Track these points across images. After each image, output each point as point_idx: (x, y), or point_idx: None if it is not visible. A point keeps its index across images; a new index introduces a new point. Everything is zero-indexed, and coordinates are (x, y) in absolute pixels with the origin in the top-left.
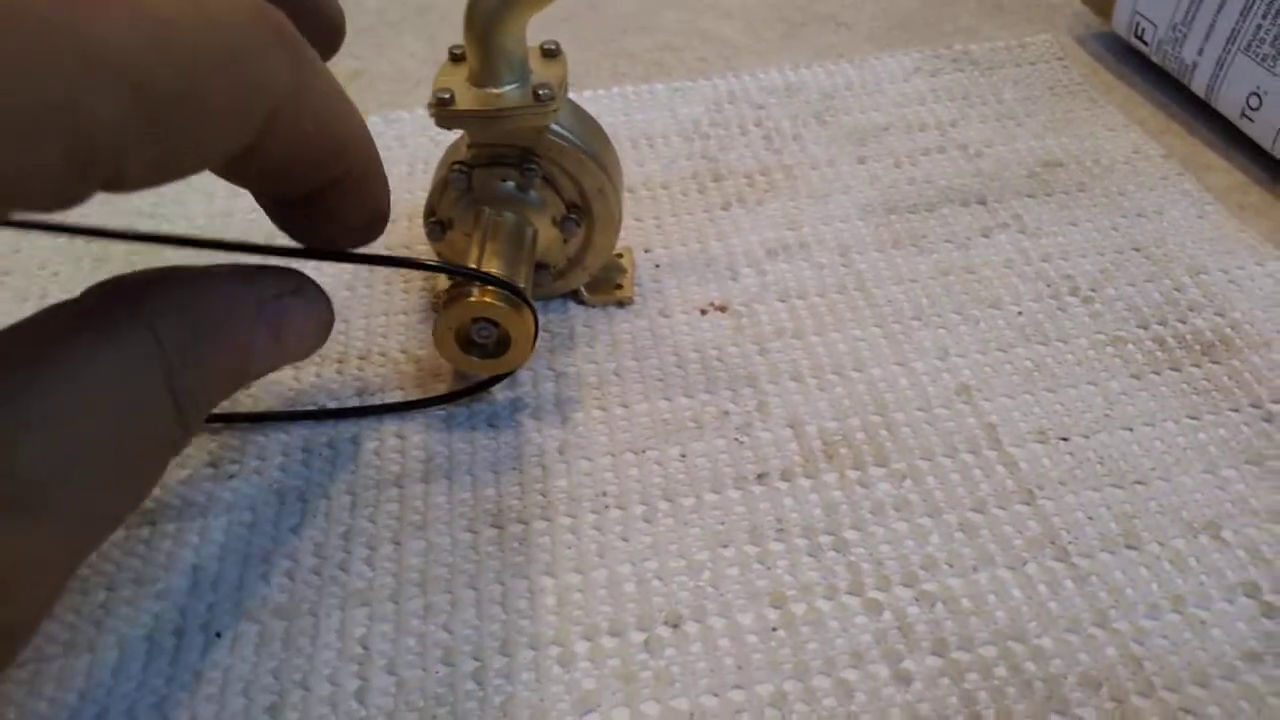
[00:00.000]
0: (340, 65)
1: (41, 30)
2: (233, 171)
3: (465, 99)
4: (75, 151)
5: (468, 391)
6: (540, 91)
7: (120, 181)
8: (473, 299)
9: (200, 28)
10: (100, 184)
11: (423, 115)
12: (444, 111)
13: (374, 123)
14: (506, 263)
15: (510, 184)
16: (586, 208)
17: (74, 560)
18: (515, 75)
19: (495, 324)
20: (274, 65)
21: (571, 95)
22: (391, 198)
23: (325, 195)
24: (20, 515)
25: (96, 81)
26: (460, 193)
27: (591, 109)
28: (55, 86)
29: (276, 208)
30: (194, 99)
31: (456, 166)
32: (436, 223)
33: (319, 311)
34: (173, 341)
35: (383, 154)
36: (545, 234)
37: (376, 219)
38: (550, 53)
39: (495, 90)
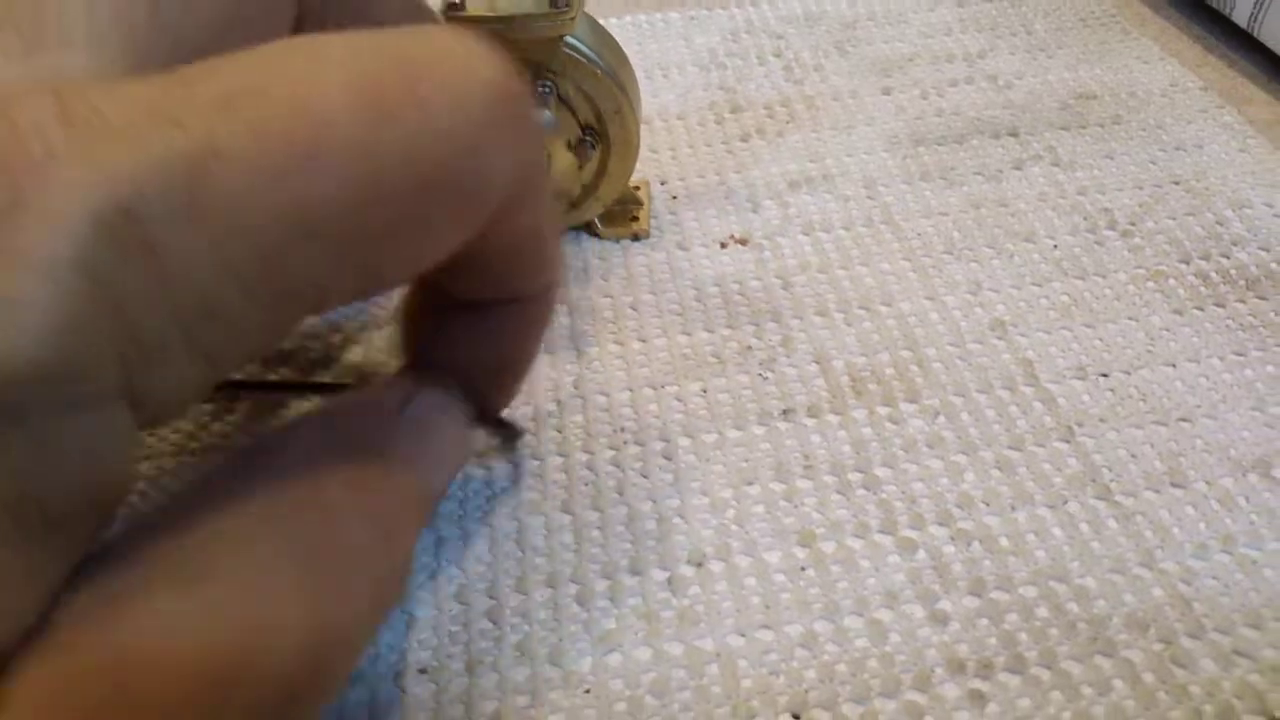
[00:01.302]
0: None
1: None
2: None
3: (476, 3)
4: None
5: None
6: None
7: (318, 311)
8: None
9: (417, 141)
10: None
11: None
12: (452, 17)
13: None
14: None
15: None
16: (603, 131)
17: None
18: None
19: None
20: (503, 161)
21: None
22: None
23: (496, 309)
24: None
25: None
26: None
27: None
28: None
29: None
30: (406, 227)
31: None
32: None
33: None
34: None
35: None
36: (558, 159)
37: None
38: None
39: None
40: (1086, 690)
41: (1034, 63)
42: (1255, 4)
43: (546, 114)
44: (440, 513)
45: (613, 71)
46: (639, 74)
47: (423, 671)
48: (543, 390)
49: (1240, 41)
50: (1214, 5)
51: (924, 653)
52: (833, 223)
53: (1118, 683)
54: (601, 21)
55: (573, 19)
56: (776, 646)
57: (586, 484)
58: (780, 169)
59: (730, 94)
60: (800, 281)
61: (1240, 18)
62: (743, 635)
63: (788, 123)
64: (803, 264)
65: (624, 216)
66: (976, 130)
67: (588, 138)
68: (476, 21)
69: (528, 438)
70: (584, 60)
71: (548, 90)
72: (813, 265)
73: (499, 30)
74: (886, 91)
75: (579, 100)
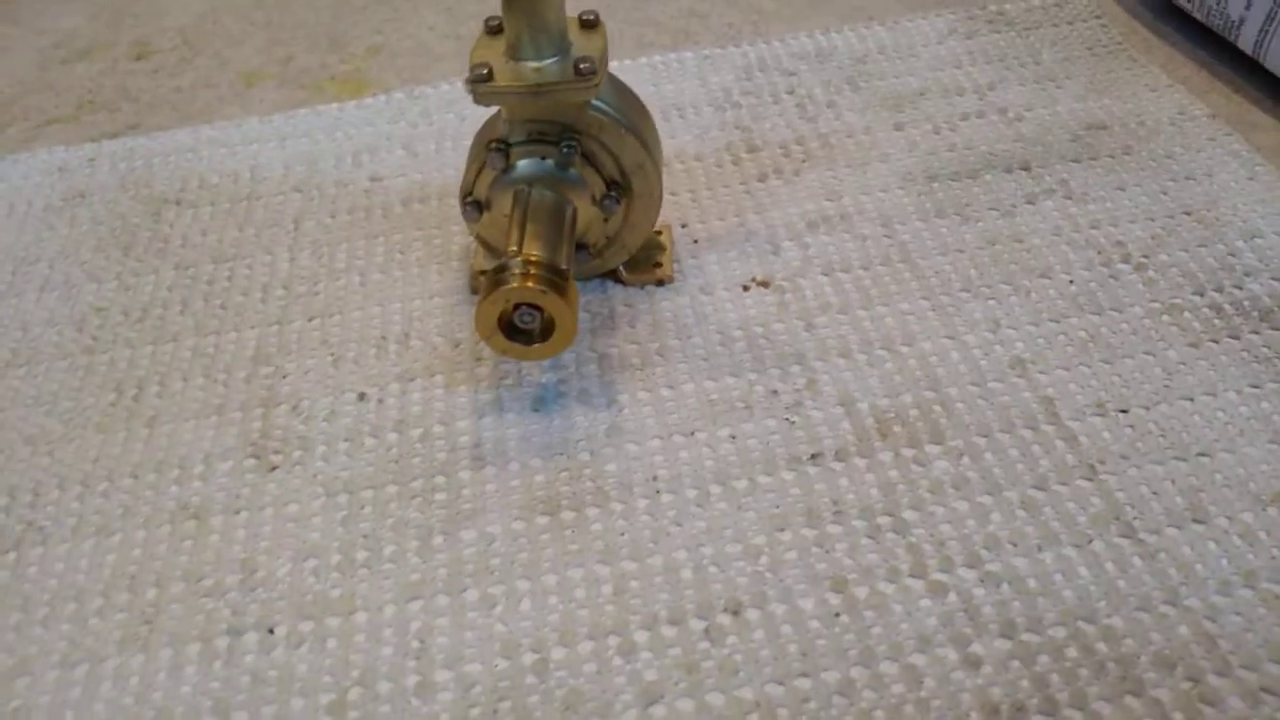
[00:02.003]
0: (359, 41)
1: None
2: None
3: (504, 74)
4: None
5: None
6: (582, 66)
7: None
8: (514, 284)
9: None
10: None
11: (448, 90)
12: (482, 88)
13: (398, 99)
14: (547, 244)
15: (550, 161)
16: (626, 185)
17: None
18: (555, 48)
19: (539, 309)
20: None
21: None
22: (419, 176)
23: None
24: None
25: None
26: (497, 172)
27: (625, 78)
28: None
29: None
30: None
31: (494, 145)
32: (474, 203)
33: None
34: None
35: (408, 131)
36: (584, 212)
37: None
38: (589, 23)
39: (535, 64)
40: None
41: (1043, 93)
42: (1261, 30)
43: (572, 172)
44: (483, 568)
45: (635, 128)
46: (655, 115)
47: None
48: (576, 439)
49: (1246, 66)
50: (1219, 31)
51: (959, 697)
52: (852, 263)
53: None
54: (615, 63)
55: (598, 85)
56: (815, 694)
57: (623, 534)
58: (798, 209)
59: (746, 133)
60: (822, 323)
61: (1245, 44)
62: (781, 684)
63: (804, 161)
64: (824, 305)
65: (648, 263)
66: (989, 165)
67: (612, 193)
68: (506, 91)
69: (560, 489)
70: (608, 120)
71: (572, 149)
72: (834, 306)
73: (527, 96)
74: (899, 127)
75: (604, 156)
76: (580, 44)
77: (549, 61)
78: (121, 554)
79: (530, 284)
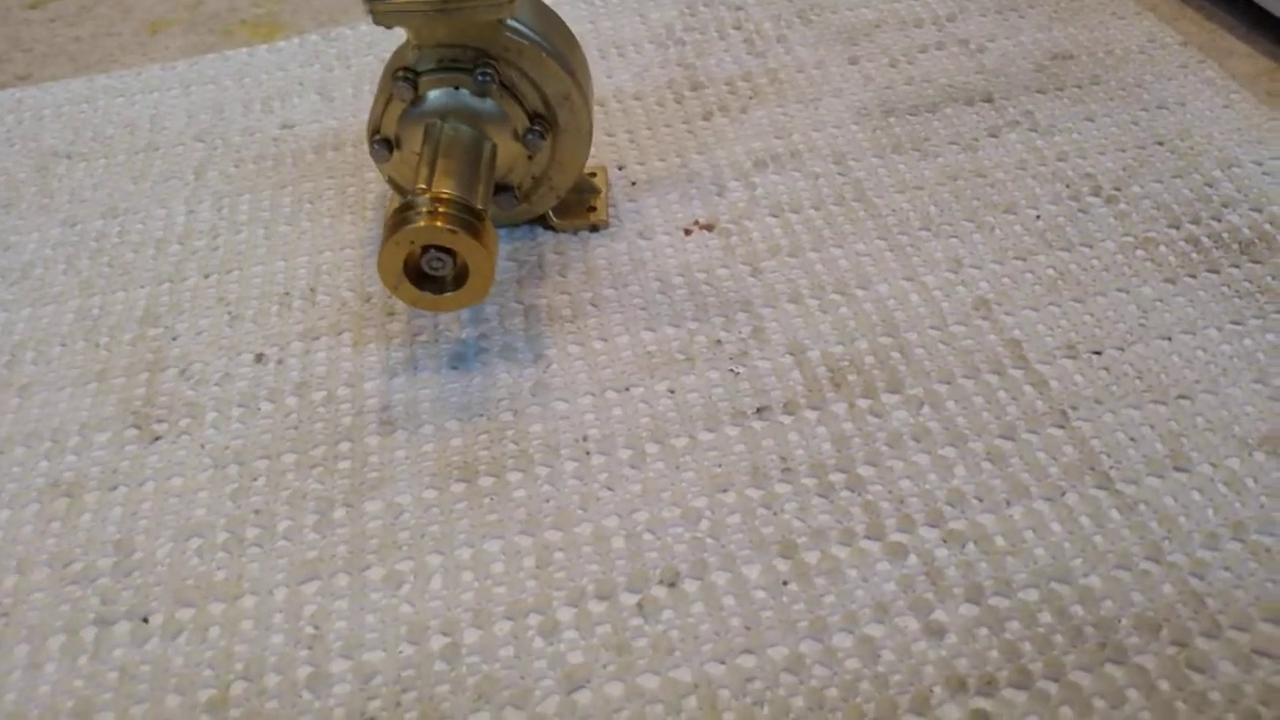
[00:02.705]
0: None
1: None
2: None
3: None
4: None
5: None
6: None
7: None
8: (421, 224)
9: None
10: None
11: (366, 32)
12: (382, 5)
13: (314, 41)
14: (460, 182)
15: (464, 91)
16: (552, 118)
17: None
18: None
19: (451, 253)
20: None
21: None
22: (334, 122)
23: None
24: None
25: None
26: (406, 105)
27: (560, 14)
28: None
29: None
30: None
31: (401, 73)
32: (382, 140)
33: None
34: None
35: (323, 75)
36: (506, 150)
37: None
38: None
39: None
40: (1099, 703)
41: (1005, 24)
42: None
43: (489, 103)
44: (389, 543)
45: (560, 54)
46: (592, 53)
47: None
48: (499, 399)
49: None
50: None
51: (921, 670)
52: (802, 203)
53: (1132, 693)
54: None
55: (513, 1)
56: (760, 673)
57: (548, 500)
58: (745, 148)
59: (690, 70)
60: (770, 267)
61: None
62: (723, 662)
63: (751, 98)
64: (773, 248)
65: (580, 206)
66: (949, 98)
67: (536, 126)
68: (410, 7)
69: (478, 453)
70: (528, 44)
71: (488, 77)
72: (783, 249)
73: (433, 15)
74: (854, 61)
75: (525, 86)
76: None
77: None
78: None
79: (439, 223)
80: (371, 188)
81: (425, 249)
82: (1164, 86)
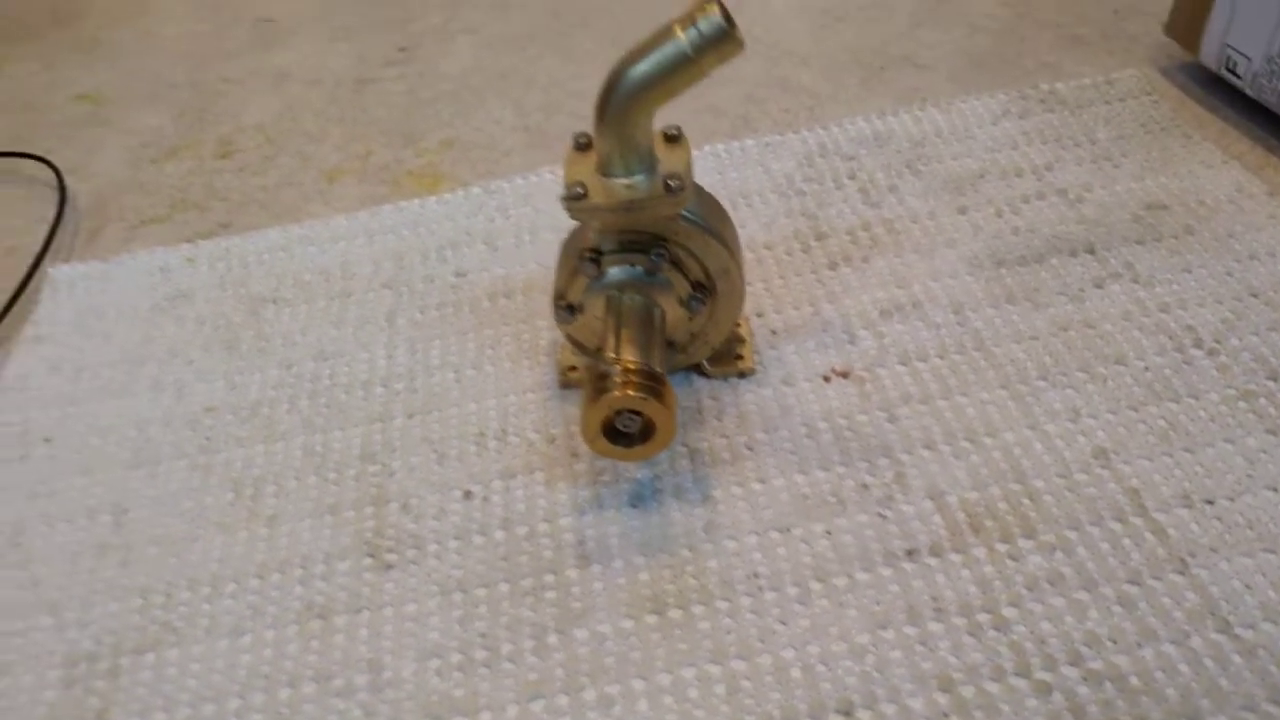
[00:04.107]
0: (432, 135)
1: None
2: None
3: (598, 192)
4: None
5: None
6: (671, 182)
7: None
8: (616, 393)
9: None
10: None
11: (521, 184)
12: (578, 205)
13: (476, 193)
14: (642, 349)
15: (639, 268)
16: (711, 286)
17: None
18: (644, 165)
19: (639, 414)
20: None
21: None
22: (501, 271)
23: None
24: None
25: None
26: (590, 279)
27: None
28: None
29: None
30: None
31: (588, 254)
32: (567, 306)
33: None
34: None
35: (487, 226)
36: (672, 313)
37: None
38: (673, 138)
39: (625, 181)
40: None
41: (1101, 173)
42: None
43: (660, 276)
44: (599, 667)
45: (720, 234)
46: (723, 203)
47: None
48: (676, 536)
49: None
50: (1271, 108)
51: None
52: (928, 351)
53: None
54: None
55: (686, 199)
56: None
57: (729, 633)
58: (870, 296)
59: (813, 220)
60: (905, 414)
61: None
62: None
63: (871, 248)
64: (904, 395)
65: (729, 355)
66: (1054, 249)
67: (698, 294)
68: (601, 208)
69: (665, 587)
70: (695, 228)
71: (661, 257)
72: (914, 397)
73: (621, 215)
74: (962, 210)
75: (690, 261)
76: (666, 158)
77: (638, 178)
78: (254, 654)
79: (631, 392)
80: (543, 335)
81: (619, 411)
82: (1254, 237)
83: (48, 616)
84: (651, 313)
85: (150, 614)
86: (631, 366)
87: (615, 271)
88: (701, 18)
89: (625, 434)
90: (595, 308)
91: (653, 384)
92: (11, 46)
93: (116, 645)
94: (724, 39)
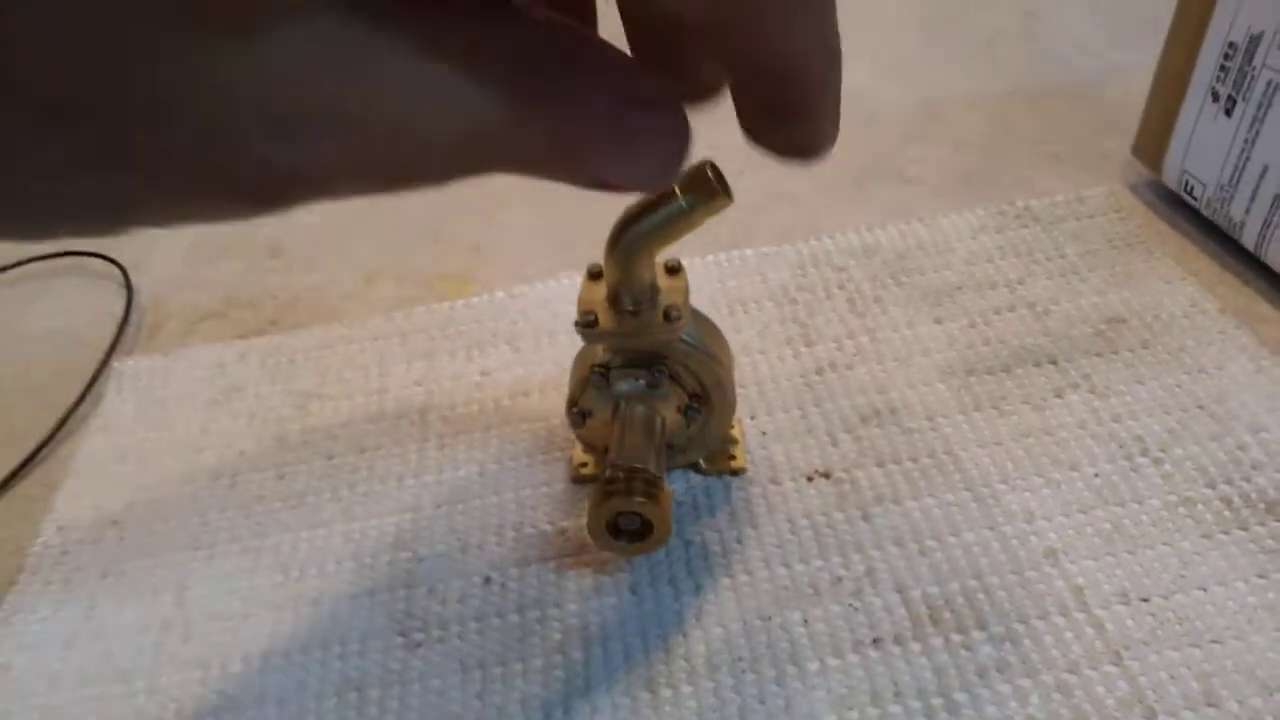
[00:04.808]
0: (462, 240)
1: None
2: None
3: (607, 320)
4: None
5: None
6: (670, 313)
7: None
8: (618, 499)
9: None
10: None
11: (542, 289)
12: (590, 332)
13: (500, 298)
14: (643, 456)
15: (641, 382)
16: (706, 397)
17: None
18: (647, 298)
19: (639, 515)
20: None
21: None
22: (522, 370)
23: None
24: None
25: None
26: (599, 389)
27: (690, 277)
28: None
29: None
30: None
31: (597, 369)
32: (579, 412)
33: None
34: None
35: (510, 328)
36: (671, 420)
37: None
38: (673, 270)
39: (631, 311)
40: None
41: (1068, 287)
42: (1260, 233)
43: (661, 389)
44: None
45: (713, 353)
46: (722, 311)
47: None
48: (670, 621)
49: (1251, 259)
50: (1224, 229)
51: None
52: (901, 456)
53: None
54: (687, 261)
55: (683, 327)
56: None
57: (714, 711)
58: (851, 402)
59: (803, 328)
60: (878, 513)
61: (1248, 242)
62: None
63: (855, 355)
64: (878, 496)
65: (723, 455)
66: (1020, 359)
67: (694, 404)
68: (608, 334)
69: (658, 668)
70: (691, 349)
71: (661, 373)
72: (887, 497)
73: (627, 339)
74: (939, 321)
75: (686, 376)
76: (667, 289)
77: (644, 309)
78: None
79: (635, 497)
80: (557, 432)
81: (620, 513)
82: (1204, 351)
83: (120, 684)
84: (653, 421)
85: (209, 683)
86: (634, 472)
87: (622, 384)
88: (695, 178)
89: (626, 530)
90: (604, 413)
91: (650, 489)
92: None
93: (179, 711)
94: (714, 197)
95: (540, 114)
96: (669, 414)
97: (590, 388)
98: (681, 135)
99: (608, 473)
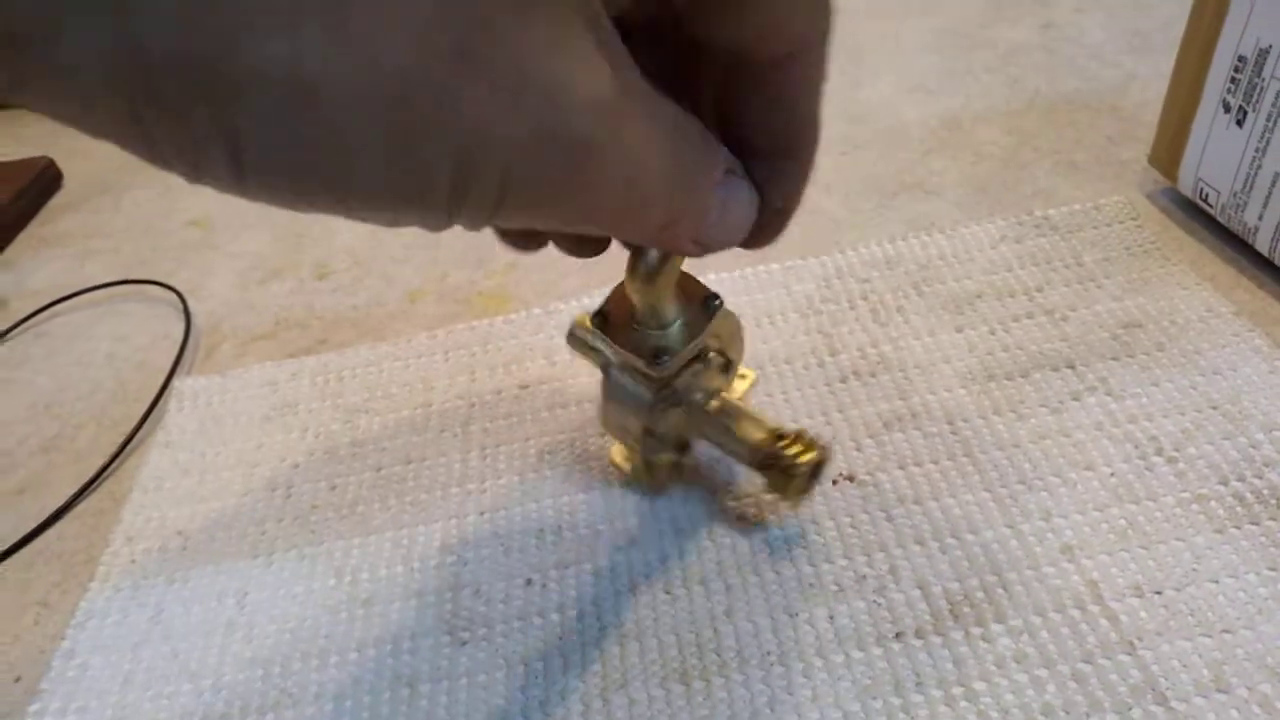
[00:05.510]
0: (499, 258)
1: None
2: None
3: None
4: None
5: None
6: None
7: None
8: (818, 451)
9: None
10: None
11: (575, 306)
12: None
13: (536, 314)
14: (760, 422)
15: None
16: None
17: None
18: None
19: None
20: None
21: (699, 276)
22: (559, 384)
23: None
24: None
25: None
26: (668, 404)
27: (720, 290)
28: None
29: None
30: None
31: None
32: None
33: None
34: None
35: (547, 343)
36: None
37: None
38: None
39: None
40: None
41: (1085, 294)
42: (1275, 233)
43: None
44: None
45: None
46: (750, 322)
47: None
48: (702, 618)
49: (1265, 263)
50: (1239, 234)
51: None
52: (923, 458)
53: None
54: (713, 275)
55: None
56: None
57: (744, 703)
58: (874, 409)
59: (828, 338)
60: (900, 514)
61: (1262, 247)
62: None
63: (878, 363)
64: (900, 497)
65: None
66: (1038, 364)
67: (720, 355)
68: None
69: (691, 662)
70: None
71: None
72: (909, 499)
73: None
74: (959, 329)
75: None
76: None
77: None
78: (354, 716)
79: (818, 445)
80: (591, 441)
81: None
82: (1219, 354)
83: (188, 683)
84: (733, 403)
85: (270, 681)
86: (794, 435)
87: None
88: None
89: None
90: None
91: (807, 436)
92: (133, 175)
93: (244, 707)
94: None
95: (693, 181)
96: (717, 378)
97: (659, 414)
98: (754, 200)
99: (779, 445)
